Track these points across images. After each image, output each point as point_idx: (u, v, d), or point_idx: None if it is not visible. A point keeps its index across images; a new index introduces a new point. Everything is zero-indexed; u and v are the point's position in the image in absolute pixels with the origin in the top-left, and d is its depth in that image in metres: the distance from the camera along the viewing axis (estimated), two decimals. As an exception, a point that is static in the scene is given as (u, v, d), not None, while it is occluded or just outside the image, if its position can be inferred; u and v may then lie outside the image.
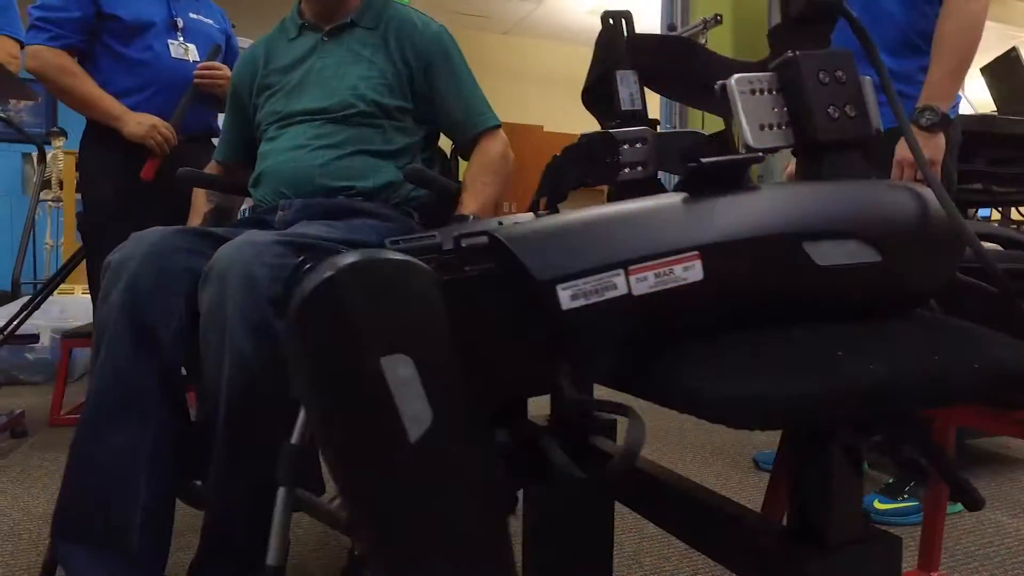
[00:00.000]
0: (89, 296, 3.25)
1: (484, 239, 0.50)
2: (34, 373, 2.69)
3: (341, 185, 1.26)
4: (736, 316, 0.48)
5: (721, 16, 2.61)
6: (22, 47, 2.06)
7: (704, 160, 0.50)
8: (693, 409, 0.43)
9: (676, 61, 0.93)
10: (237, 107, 1.46)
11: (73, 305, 2.87)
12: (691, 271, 0.46)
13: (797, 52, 0.59)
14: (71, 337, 2.26)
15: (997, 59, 2.75)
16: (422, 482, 0.42)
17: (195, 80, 1.97)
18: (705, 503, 0.61)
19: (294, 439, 0.82)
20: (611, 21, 0.95)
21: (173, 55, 1.97)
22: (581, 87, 1.02)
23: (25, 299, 2.40)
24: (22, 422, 1.99)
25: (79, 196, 2.51)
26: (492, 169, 1.35)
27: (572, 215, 0.49)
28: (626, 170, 0.89)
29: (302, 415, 0.86)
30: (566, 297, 0.44)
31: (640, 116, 0.91)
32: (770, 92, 0.60)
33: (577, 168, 0.92)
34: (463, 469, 0.44)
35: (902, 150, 1.37)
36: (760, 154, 0.58)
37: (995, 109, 2.83)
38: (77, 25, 1.88)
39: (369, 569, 0.44)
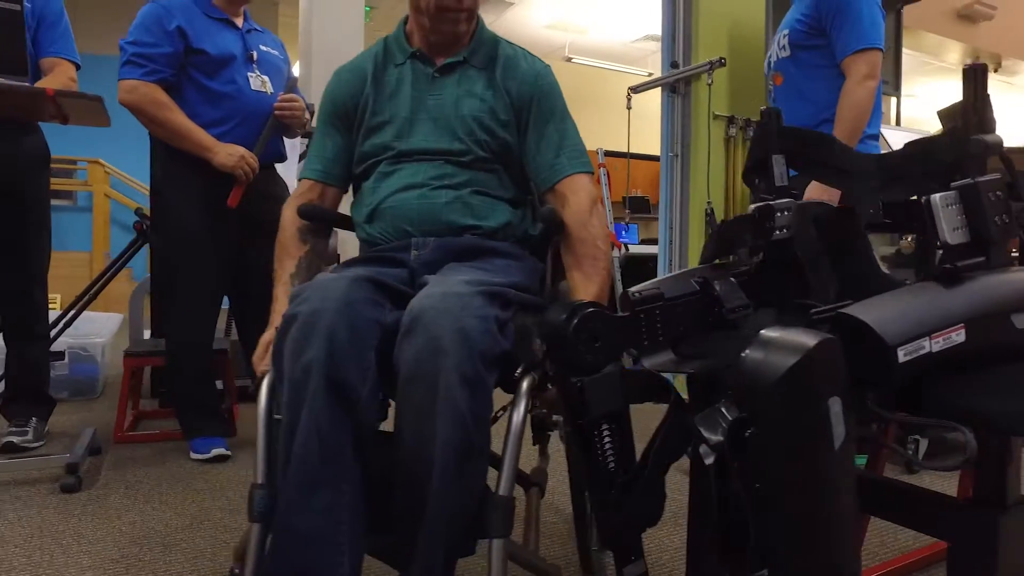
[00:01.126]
0: (108, 314, 3.31)
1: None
2: (60, 390, 2.74)
3: (467, 224, 1.27)
4: (979, 360, 0.77)
5: (724, 60, 2.95)
6: (77, 68, 2.18)
7: (947, 266, 0.79)
8: (982, 423, 0.71)
9: (814, 149, 1.22)
10: (341, 123, 1.38)
11: (85, 322, 2.92)
12: (959, 335, 0.75)
13: (976, 179, 0.89)
14: (134, 356, 2.35)
15: (954, 104, 3.22)
16: (839, 477, 0.69)
17: (276, 112, 2.14)
18: (914, 492, 0.91)
19: (502, 491, 0.97)
20: (766, 117, 1.21)
21: (252, 87, 2.11)
22: None
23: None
24: (96, 439, 2.09)
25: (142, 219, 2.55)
26: (597, 244, 1.27)
27: (891, 302, 0.77)
28: (777, 232, 1.18)
29: (508, 465, 1.00)
30: (901, 355, 0.71)
31: (786, 191, 1.19)
32: (956, 205, 0.90)
33: (748, 231, 1.18)
34: (851, 471, 0.71)
35: (810, 192, 1.84)
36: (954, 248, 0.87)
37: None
38: (169, 60, 2.00)
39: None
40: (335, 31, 4.32)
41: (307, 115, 2.24)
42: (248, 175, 2.04)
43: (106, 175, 6.21)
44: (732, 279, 1.18)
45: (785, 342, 0.69)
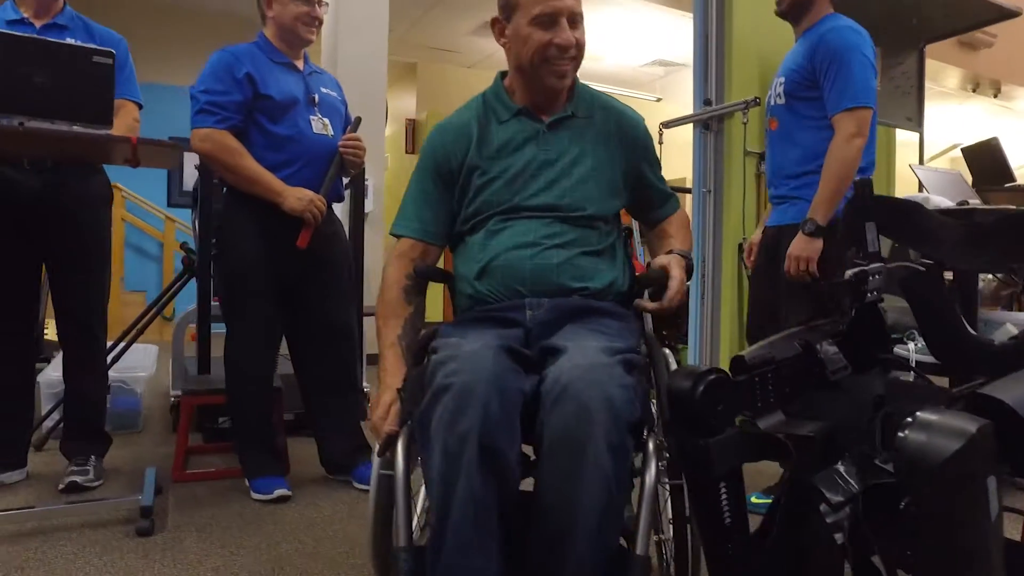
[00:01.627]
0: (144, 345, 3.33)
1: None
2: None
3: (577, 286, 1.32)
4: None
5: (759, 99, 3.04)
6: (139, 107, 2.24)
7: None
8: None
9: (903, 216, 1.29)
10: (442, 181, 1.41)
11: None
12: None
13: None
14: (193, 394, 2.39)
15: (978, 143, 3.33)
16: (993, 548, 0.75)
17: (341, 150, 2.19)
18: None
19: (639, 550, 1.02)
20: (860, 188, 1.28)
21: (315, 130, 2.17)
22: None
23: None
24: (159, 479, 2.12)
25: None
26: (686, 222, 1.54)
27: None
28: (869, 294, 1.25)
29: (644, 524, 1.03)
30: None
31: (878, 256, 1.26)
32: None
33: (845, 295, 1.25)
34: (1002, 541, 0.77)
35: (793, 249, 1.95)
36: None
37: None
38: (239, 107, 2.06)
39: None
40: (359, 49, 4.44)
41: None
42: (317, 218, 2.10)
43: (123, 199, 6.27)
44: (830, 341, 1.25)
45: (947, 427, 0.75)
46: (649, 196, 1.52)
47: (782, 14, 2.15)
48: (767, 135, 2.25)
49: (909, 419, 0.78)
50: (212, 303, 2.74)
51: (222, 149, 2.05)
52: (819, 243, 1.93)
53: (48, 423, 2.64)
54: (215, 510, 2.06)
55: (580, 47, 1.36)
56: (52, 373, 2.71)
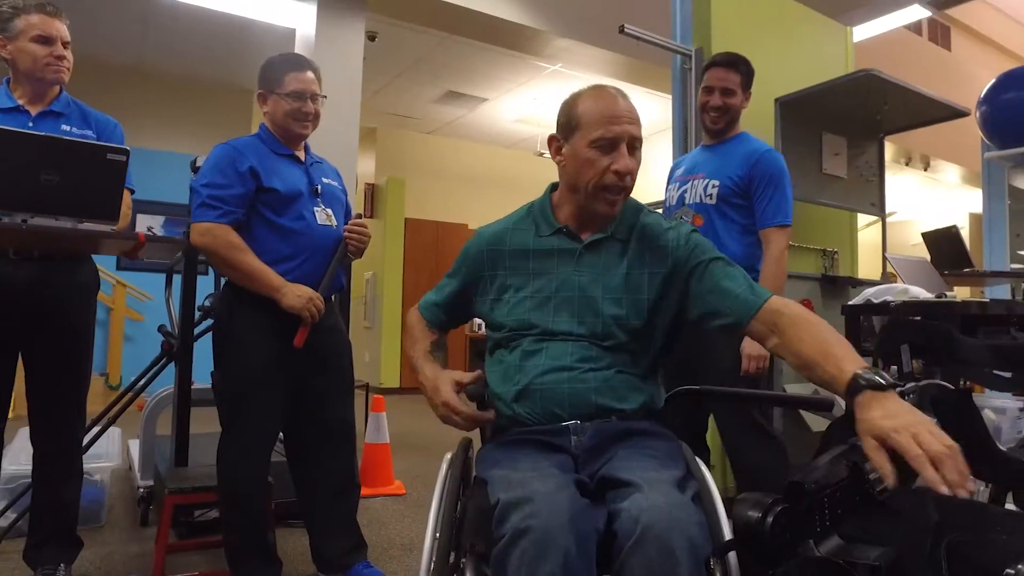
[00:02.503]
0: (109, 429, 3.16)
1: None
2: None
3: (615, 407, 1.32)
4: None
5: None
6: (132, 193, 2.18)
7: None
8: None
9: (934, 339, 1.36)
10: (471, 278, 1.47)
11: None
12: None
13: None
14: (179, 493, 2.27)
15: (938, 230, 3.53)
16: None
17: (346, 236, 2.17)
18: None
19: None
20: (895, 313, 1.35)
21: (319, 222, 2.13)
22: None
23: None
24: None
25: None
26: (818, 321, 1.21)
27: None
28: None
29: None
30: None
31: (912, 376, 1.32)
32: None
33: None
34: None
35: (750, 349, 2.12)
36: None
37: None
38: (241, 200, 2.02)
39: None
40: (332, 123, 4.46)
41: None
42: (315, 317, 2.05)
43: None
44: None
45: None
46: (724, 293, 1.32)
47: (718, 131, 2.39)
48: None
49: (1011, 572, 0.81)
50: (194, 387, 2.64)
51: (223, 244, 2.00)
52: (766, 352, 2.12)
53: (1, 523, 2.47)
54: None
55: (634, 174, 1.36)
56: (8, 467, 2.54)
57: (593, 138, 1.32)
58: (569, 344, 1.35)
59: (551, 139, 1.43)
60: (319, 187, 2.20)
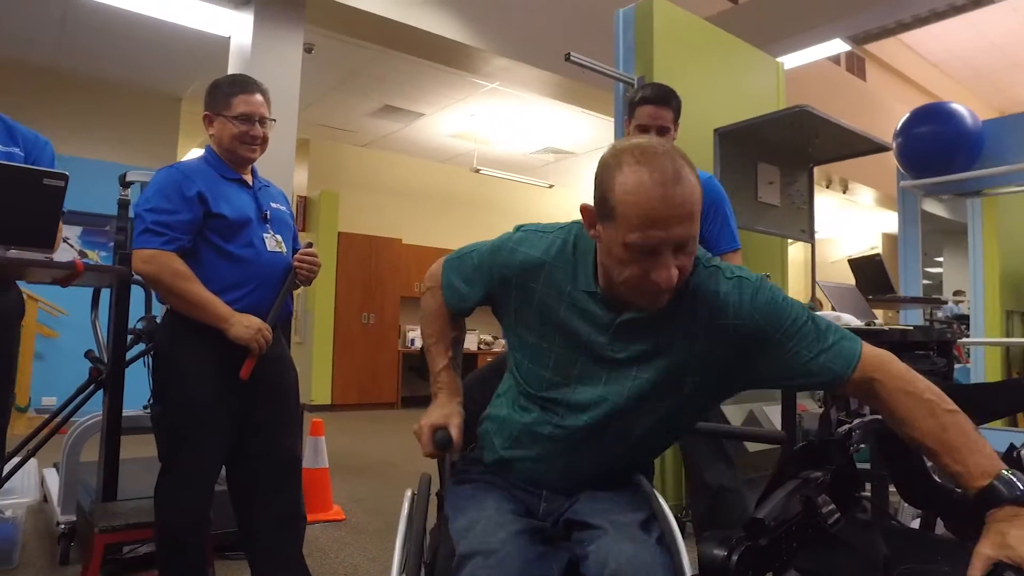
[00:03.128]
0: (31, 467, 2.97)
1: None
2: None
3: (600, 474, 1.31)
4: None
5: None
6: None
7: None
8: None
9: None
10: (499, 283, 1.30)
11: None
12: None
13: None
14: (111, 532, 2.15)
15: (864, 256, 3.73)
16: None
17: (296, 266, 2.12)
18: None
19: None
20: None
21: (268, 248, 2.08)
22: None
23: None
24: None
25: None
26: (921, 390, 1.07)
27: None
28: (853, 447, 1.38)
29: None
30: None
31: (859, 413, 1.40)
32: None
33: (834, 452, 1.36)
34: None
35: None
36: None
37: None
38: (188, 227, 1.95)
39: None
40: (272, 88, 4.41)
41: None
42: (263, 348, 1.99)
43: None
44: (824, 495, 1.35)
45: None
46: (789, 382, 1.17)
47: None
48: None
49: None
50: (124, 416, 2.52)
51: (168, 273, 1.92)
52: None
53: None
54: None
55: (684, 273, 1.09)
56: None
57: (628, 241, 1.04)
58: (579, 430, 1.22)
59: (584, 208, 1.15)
60: (268, 212, 2.15)
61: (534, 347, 1.25)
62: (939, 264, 9.03)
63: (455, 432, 1.33)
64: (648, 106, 2.38)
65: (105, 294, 2.84)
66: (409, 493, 1.51)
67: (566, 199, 9.91)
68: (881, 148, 3.61)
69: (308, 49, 5.81)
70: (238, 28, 4.96)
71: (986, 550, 0.92)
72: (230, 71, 4.95)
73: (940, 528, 1.65)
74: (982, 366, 6.38)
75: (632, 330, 1.17)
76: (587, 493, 1.24)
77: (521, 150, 8.77)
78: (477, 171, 8.82)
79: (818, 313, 1.21)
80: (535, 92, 6.53)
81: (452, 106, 7.38)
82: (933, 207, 7.13)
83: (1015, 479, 0.96)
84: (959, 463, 1.00)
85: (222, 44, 5.27)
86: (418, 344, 8.72)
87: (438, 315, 1.43)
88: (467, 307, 1.40)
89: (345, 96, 7.14)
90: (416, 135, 8.39)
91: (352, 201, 8.50)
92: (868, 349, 1.12)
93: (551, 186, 9.34)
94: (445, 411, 1.36)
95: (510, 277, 1.28)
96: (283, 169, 4.49)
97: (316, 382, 7.98)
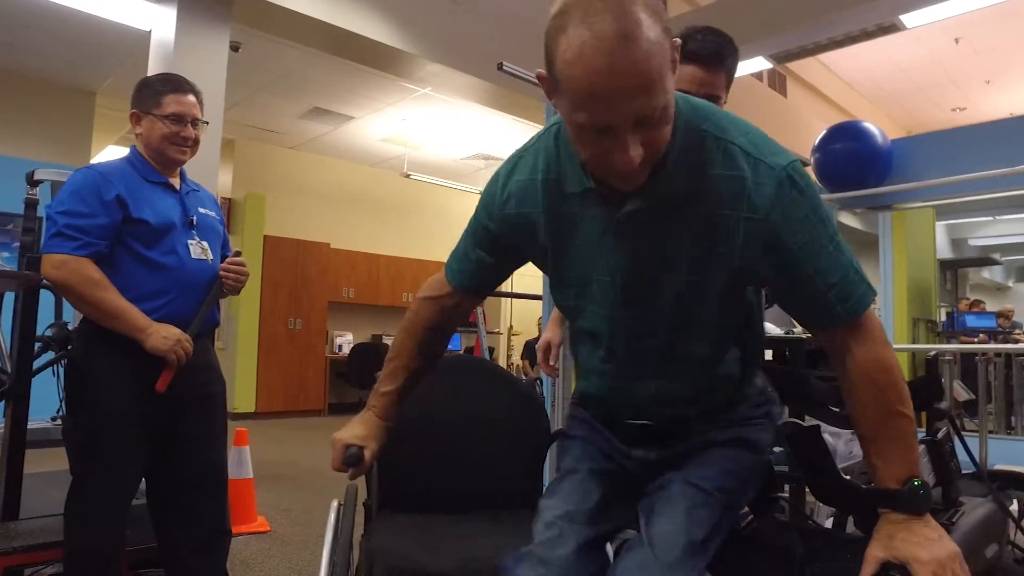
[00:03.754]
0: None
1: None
2: None
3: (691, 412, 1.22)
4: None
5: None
6: None
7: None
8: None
9: (794, 384, 1.52)
10: (498, 250, 1.19)
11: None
12: None
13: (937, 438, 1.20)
14: (10, 554, 2.03)
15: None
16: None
17: (222, 275, 2.06)
18: None
19: None
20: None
21: (193, 256, 2.02)
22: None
23: None
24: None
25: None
26: (894, 399, 1.02)
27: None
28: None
29: None
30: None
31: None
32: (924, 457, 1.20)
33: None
34: None
35: None
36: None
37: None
38: (105, 231, 1.87)
39: None
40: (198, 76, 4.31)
41: None
42: (182, 359, 1.92)
43: None
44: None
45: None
46: (798, 306, 1.06)
47: None
48: None
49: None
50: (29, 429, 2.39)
51: (80, 280, 1.83)
52: None
53: None
54: None
55: (655, 149, 0.92)
56: None
57: (577, 121, 0.89)
58: (627, 360, 1.15)
59: (539, 75, 0.94)
60: (194, 218, 2.08)
61: (558, 284, 1.15)
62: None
63: (368, 455, 1.25)
64: (690, 66, 1.75)
65: (9, 298, 2.69)
66: (335, 504, 1.50)
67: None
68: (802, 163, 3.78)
69: (235, 48, 5.67)
70: (160, 22, 4.81)
71: (876, 552, 0.98)
72: (151, 66, 4.79)
73: (851, 526, 1.75)
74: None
75: (641, 228, 1.01)
76: (673, 475, 1.14)
77: (452, 156, 8.78)
78: (407, 176, 8.77)
79: None
80: (467, 98, 6.55)
81: (383, 110, 7.33)
82: (848, 219, 7.52)
83: (920, 494, 0.99)
84: (880, 458, 1.01)
85: (141, 38, 5.09)
86: (346, 350, 8.59)
87: (409, 333, 1.28)
88: (469, 274, 1.23)
89: (273, 97, 7.00)
90: (346, 138, 8.29)
91: (279, 204, 8.33)
92: (853, 325, 1.01)
93: (482, 192, 9.39)
94: (364, 431, 1.27)
95: (504, 216, 1.13)
96: (207, 170, 4.36)
97: (240, 389, 7.76)
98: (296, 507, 3.80)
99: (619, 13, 0.82)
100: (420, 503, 1.60)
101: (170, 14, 4.67)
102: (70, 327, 2.41)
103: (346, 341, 8.78)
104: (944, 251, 9.78)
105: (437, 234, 9.54)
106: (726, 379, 1.16)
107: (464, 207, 9.90)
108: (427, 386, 1.57)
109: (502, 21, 6.17)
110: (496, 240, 1.17)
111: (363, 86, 6.70)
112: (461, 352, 8.07)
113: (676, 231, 1.00)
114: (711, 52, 1.75)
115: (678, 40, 0.90)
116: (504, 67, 3.32)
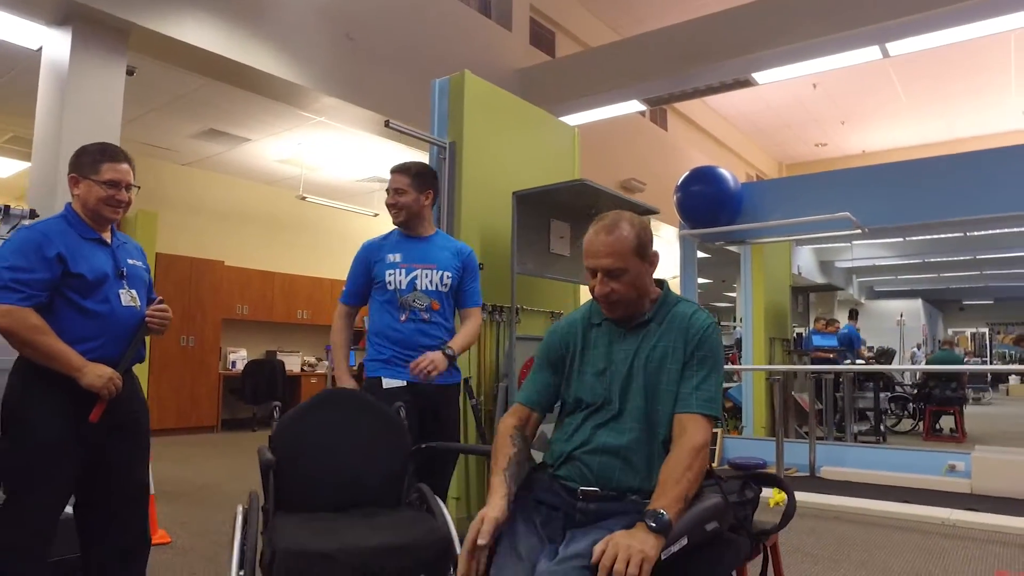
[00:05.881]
0: None
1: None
2: None
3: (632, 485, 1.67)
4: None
5: (483, 265, 3.91)
6: None
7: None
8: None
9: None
10: (555, 365, 1.83)
11: None
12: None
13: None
14: None
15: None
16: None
17: (149, 321, 2.42)
18: None
19: None
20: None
21: (124, 303, 2.36)
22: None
23: None
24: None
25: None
26: (686, 467, 1.56)
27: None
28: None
29: None
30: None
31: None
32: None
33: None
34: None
35: None
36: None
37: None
38: (45, 285, 2.19)
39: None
40: (91, 108, 4.74)
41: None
42: (113, 394, 2.25)
43: None
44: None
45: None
46: (685, 383, 1.68)
47: (402, 223, 2.96)
48: (415, 312, 2.87)
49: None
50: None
51: (23, 327, 2.14)
52: None
53: None
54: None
55: (619, 293, 1.69)
56: None
57: (586, 266, 1.76)
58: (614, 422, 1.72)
59: None
60: (124, 269, 2.41)
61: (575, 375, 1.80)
62: (734, 291, 10.54)
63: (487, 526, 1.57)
64: (393, 174, 2.96)
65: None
66: (241, 508, 1.97)
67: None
68: (650, 211, 4.48)
69: (129, 72, 5.87)
70: (51, 42, 4.95)
71: (613, 535, 1.45)
72: (41, 86, 4.92)
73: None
74: (751, 385, 7.69)
75: (635, 335, 1.74)
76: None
77: (348, 177, 9.14)
78: (303, 198, 9.07)
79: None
80: (360, 128, 6.99)
81: (279, 134, 7.64)
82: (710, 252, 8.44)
83: (658, 518, 1.45)
84: (657, 492, 1.55)
85: (27, 55, 5.16)
86: (240, 367, 8.77)
87: (503, 437, 1.78)
88: (541, 392, 1.84)
89: (167, 117, 7.19)
90: (241, 158, 8.51)
91: (172, 221, 8.45)
92: (707, 422, 1.64)
93: (376, 215, 9.76)
94: (488, 504, 1.62)
95: (556, 342, 1.84)
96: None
97: (127, 408, 7.80)
98: (194, 520, 4.14)
99: (617, 217, 1.74)
100: (307, 505, 2.05)
101: (63, 37, 4.85)
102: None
103: (240, 357, 8.95)
104: (814, 273, 10.99)
105: (332, 252, 9.87)
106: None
107: (358, 228, 10.22)
108: (313, 415, 2.08)
109: (396, 57, 6.67)
110: (555, 356, 1.86)
111: (259, 111, 7.00)
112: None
113: (656, 333, 1.75)
114: (400, 167, 2.99)
115: (657, 252, 1.76)
116: (391, 124, 3.83)
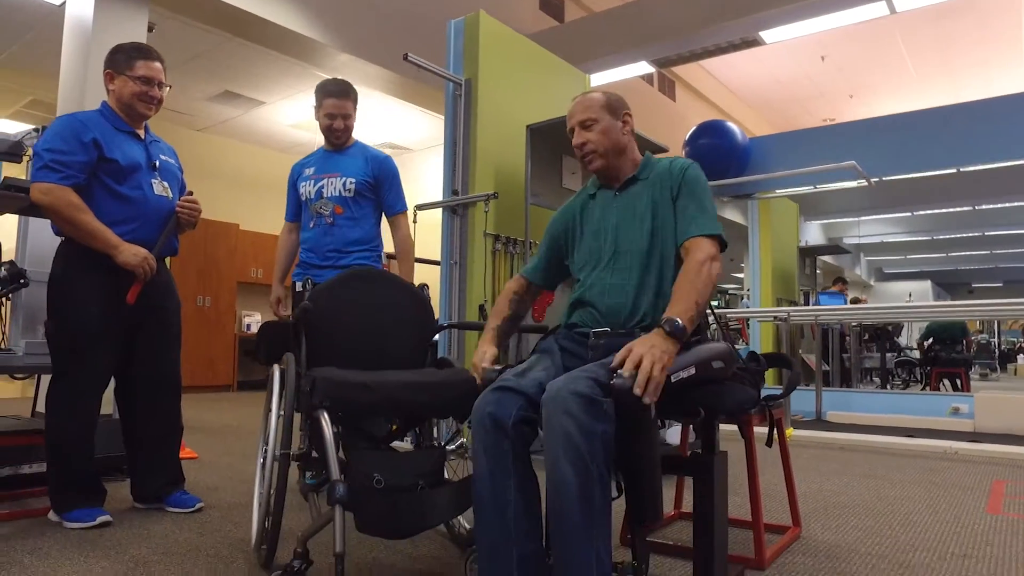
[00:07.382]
0: None
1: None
2: None
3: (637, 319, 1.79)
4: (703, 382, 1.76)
5: (497, 194, 4.02)
6: None
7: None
8: (708, 409, 1.69)
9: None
10: (556, 241, 2.01)
11: None
12: (689, 372, 1.73)
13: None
14: None
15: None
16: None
17: (179, 211, 2.59)
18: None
19: None
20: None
21: (155, 192, 2.54)
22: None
23: None
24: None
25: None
26: (694, 276, 1.66)
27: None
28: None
29: None
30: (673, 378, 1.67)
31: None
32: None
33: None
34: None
35: None
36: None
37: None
38: (83, 167, 2.36)
39: None
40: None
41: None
42: (148, 275, 2.42)
43: None
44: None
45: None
46: (681, 217, 1.81)
47: (343, 144, 3.08)
48: (327, 217, 3.02)
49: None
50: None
51: (64, 204, 2.30)
52: None
53: None
54: (35, 541, 2.22)
55: (594, 143, 1.87)
56: None
57: (568, 134, 1.96)
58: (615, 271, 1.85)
59: None
60: (157, 162, 2.59)
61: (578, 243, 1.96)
62: (742, 271, 10.58)
63: (486, 361, 1.81)
64: (331, 98, 3.00)
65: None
66: (276, 367, 2.07)
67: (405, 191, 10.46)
68: (661, 149, 4.56)
69: (150, 28, 5.99)
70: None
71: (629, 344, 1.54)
72: (65, 41, 5.06)
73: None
74: (758, 344, 7.77)
75: (627, 194, 1.89)
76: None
77: (361, 140, 9.24)
78: (317, 162, 9.17)
79: None
80: (375, 88, 7.10)
81: (293, 96, 7.76)
82: (727, 212, 8.52)
83: (673, 323, 1.54)
84: (670, 304, 1.63)
85: (49, 11, 5.29)
86: (254, 329, 8.92)
87: (502, 297, 2.05)
88: (539, 265, 2.07)
89: (184, 78, 7.31)
90: (255, 122, 8.64)
91: (188, 186, 8.55)
92: (695, 239, 1.74)
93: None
94: (478, 352, 1.85)
95: (559, 222, 2.02)
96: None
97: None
98: (217, 444, 4.29)
99: (589, 92, 1.94)
100: (341, 363, 2.15)
101: (87, -9, 4.96)
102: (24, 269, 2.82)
103: (254, 320, 9.10)
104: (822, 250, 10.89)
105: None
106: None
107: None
108: (343, 287, 2.19)
109: (407, 17, 6.76)
110: (556, 237, 2.05)
111: (275, 72, 7.11)
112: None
113: (644, 190, 1.89)
114: (339, 90, 3.07)
115: (630, 115, 1.94)
116: (409, 57, 3.93)
